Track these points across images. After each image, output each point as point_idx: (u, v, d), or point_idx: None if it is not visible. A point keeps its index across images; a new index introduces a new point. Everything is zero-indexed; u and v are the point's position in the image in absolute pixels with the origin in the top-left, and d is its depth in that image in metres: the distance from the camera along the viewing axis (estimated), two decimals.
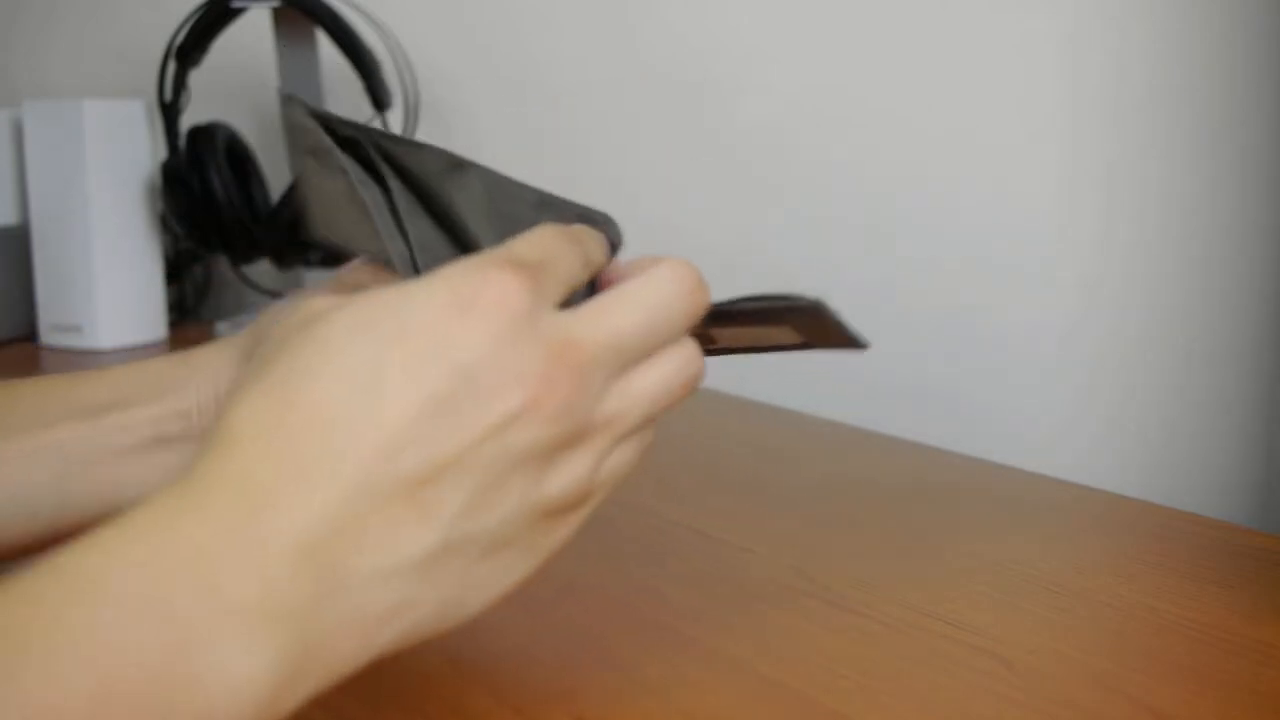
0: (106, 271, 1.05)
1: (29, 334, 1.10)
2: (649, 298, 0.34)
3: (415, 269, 0.40)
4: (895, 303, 0.83)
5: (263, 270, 1.22)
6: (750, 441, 0.74)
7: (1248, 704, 0.39)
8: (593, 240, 0.37)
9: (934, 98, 0.80)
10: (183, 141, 1.04)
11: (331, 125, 0.42)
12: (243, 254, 1.06)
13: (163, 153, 1.08)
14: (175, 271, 1.22)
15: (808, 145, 0.88)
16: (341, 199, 0.41)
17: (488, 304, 0.30)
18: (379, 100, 1.03)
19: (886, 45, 0.83)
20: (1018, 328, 0.77)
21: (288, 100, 0.42)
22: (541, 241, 0.34)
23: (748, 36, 0.90)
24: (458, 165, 0.44)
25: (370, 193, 0.41)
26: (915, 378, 0.82)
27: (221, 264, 1.28)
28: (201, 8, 1.02)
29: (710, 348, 0.40)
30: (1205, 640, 0.44)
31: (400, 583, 0.30)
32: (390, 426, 0.29)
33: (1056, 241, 0.75)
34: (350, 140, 0.42)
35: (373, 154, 0.42)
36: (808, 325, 0.40)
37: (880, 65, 0.83)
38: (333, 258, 1.04)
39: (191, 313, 1.24)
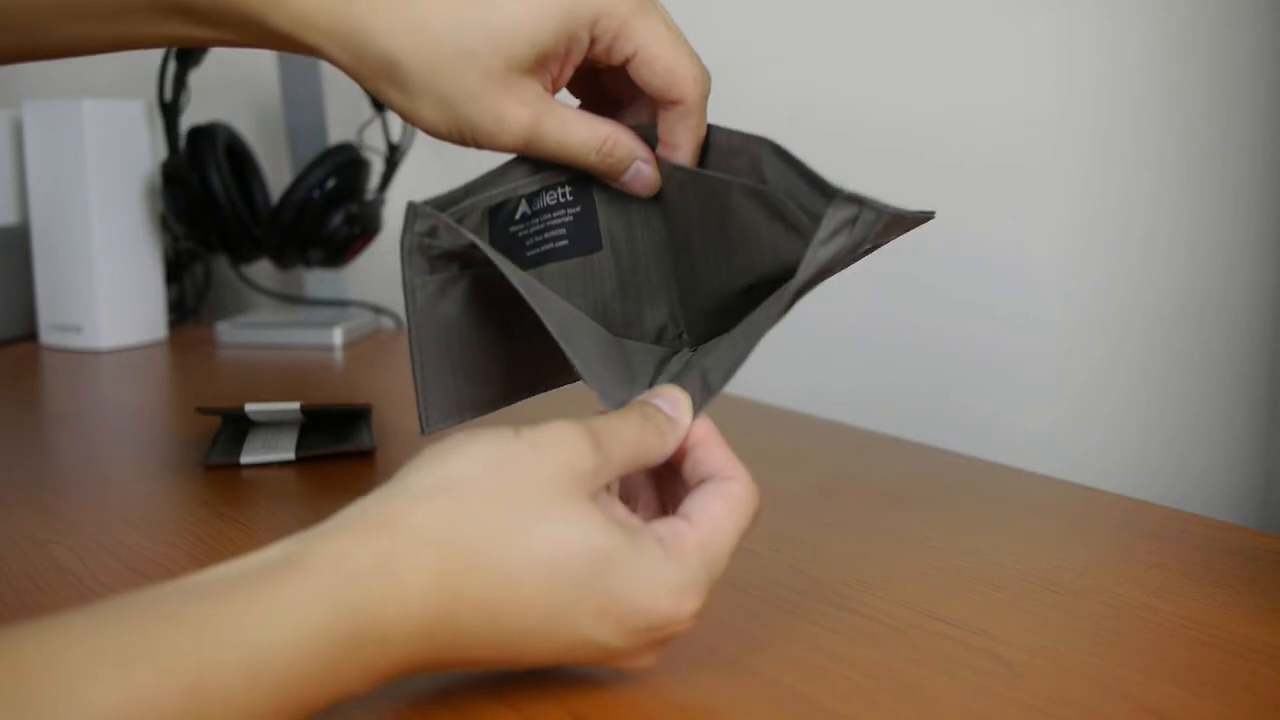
0: (106, 271, 1.05)
1: (29, 334, 1.10)
2: (738, 528, 0.41)
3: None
4: (898, 303, 0.83)
5: (263, 270, 1.22)
6: (750, 442, 0.74)
7: (1247, 704, 0.39)
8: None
9: (935, 91, 0.80)
10: (183, 141, 1.04)
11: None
12: (243, 254, 1.06)
13: (163, 153, 1.08)
14: (175, 271, 1.23)
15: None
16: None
17: (668, 636, 0.38)
18: (379, 100, 1.03)
19: (887, 40, 0.83)
20: (1020, 329, 0.77)
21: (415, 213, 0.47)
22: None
23: (755, 32, 0.90)
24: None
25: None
26: (916, 379, 0.82)
27: (221, 264, 1.28)
28: None
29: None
30: (1205, 640, 0.44)
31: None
32: (538, 657, 0.37)
33: (1066, 244, 0.75)
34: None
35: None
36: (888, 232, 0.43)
37: (881, 62, 0.83)
38: (332, 258, 1.05)
39: (191, 313, 1.25)
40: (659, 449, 0.41)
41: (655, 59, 0.46)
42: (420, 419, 0.48)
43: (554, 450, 0.37)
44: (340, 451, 0.68)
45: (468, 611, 0.35)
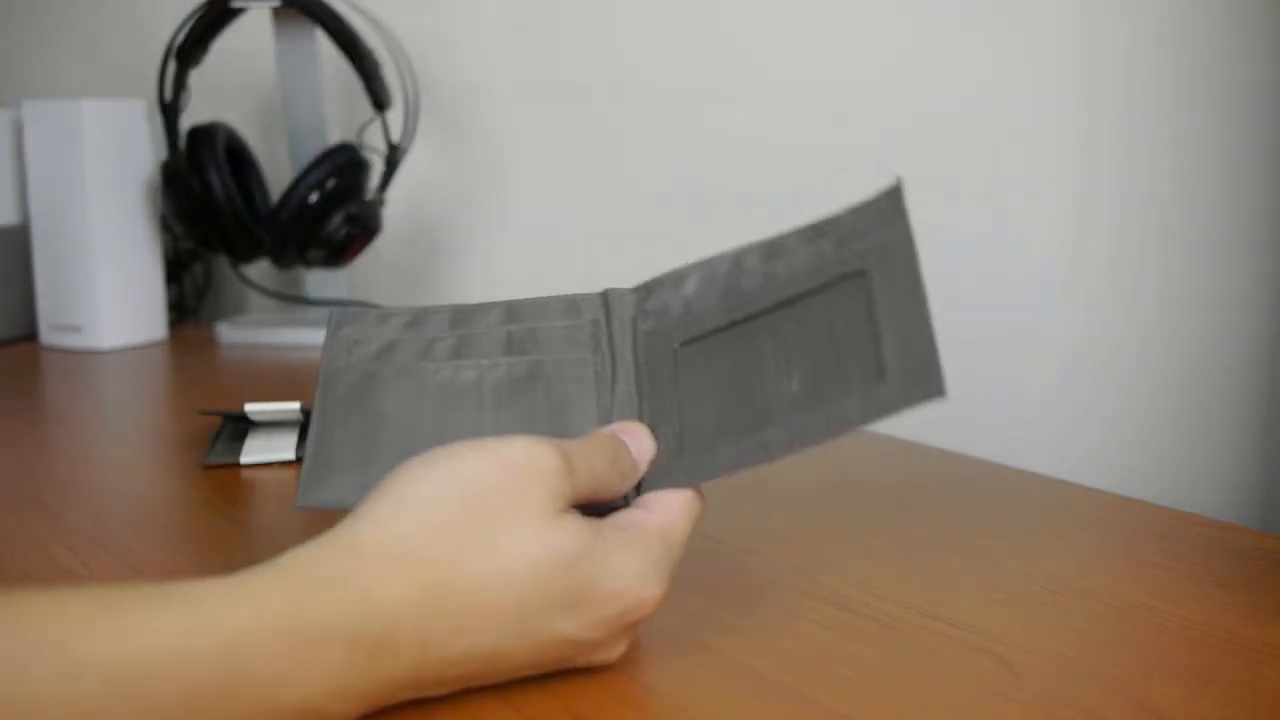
0: (106, 271, 1.05)
1: (29, 334, 1.10)
2: (692, 522, 0.42)
3: None
4: None
5: (263, 270, 1.22)
6: None
7: (1248, 704, 0.39)
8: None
9: (941, 90, 0.81)
10: (183, 141, 1.04)
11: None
12: (243, 254, 1.06)
13: (163, 153, 1.08)
14: (175, 271, 1.22)
15: (806, 141, 0.88)
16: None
17: (635, 622, 0.40)
18: (379, 100, 1.03)
19: (892, 38, 0.83)
20: (1020, 329, 0.77)
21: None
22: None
23: (742, 40, 0.90)
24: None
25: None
26: None
27: (221, 264, 1.28)
28: (201, 8, 1.02)
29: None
30: (1205, 640, 0.44)
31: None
32: (512, 664, 0.38)
33: (1063, 242, 0.75)
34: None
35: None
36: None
37: (886, 59, 0.83)
38: (332, 258, 1.05)
39: (191, 313, 1.25)
40: (616, 490, 0.42)
41: None
42: (301, 486, 0.46)
43: (526, 468, 0.38)
44: None
45: (440, 626, 0.36)
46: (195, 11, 1.02)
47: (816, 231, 0.45)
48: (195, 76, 1.05)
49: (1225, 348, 0.69)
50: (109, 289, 1.05)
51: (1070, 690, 0.40)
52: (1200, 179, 0.69)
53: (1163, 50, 0.70)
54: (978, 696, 0.40)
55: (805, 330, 0.43)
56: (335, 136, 1.11)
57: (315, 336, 1.05)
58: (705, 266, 0.47)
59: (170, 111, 1.04)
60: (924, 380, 0.40)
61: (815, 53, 0.87)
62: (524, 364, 0.48)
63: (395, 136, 1.07)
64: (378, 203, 1.06)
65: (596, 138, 1.01)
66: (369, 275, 1.17)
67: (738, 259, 0.46)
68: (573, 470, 0.39)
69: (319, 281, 1.13)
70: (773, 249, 0.46)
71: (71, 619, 0.32)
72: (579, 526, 0.38)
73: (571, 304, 0.49)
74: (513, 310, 0.49)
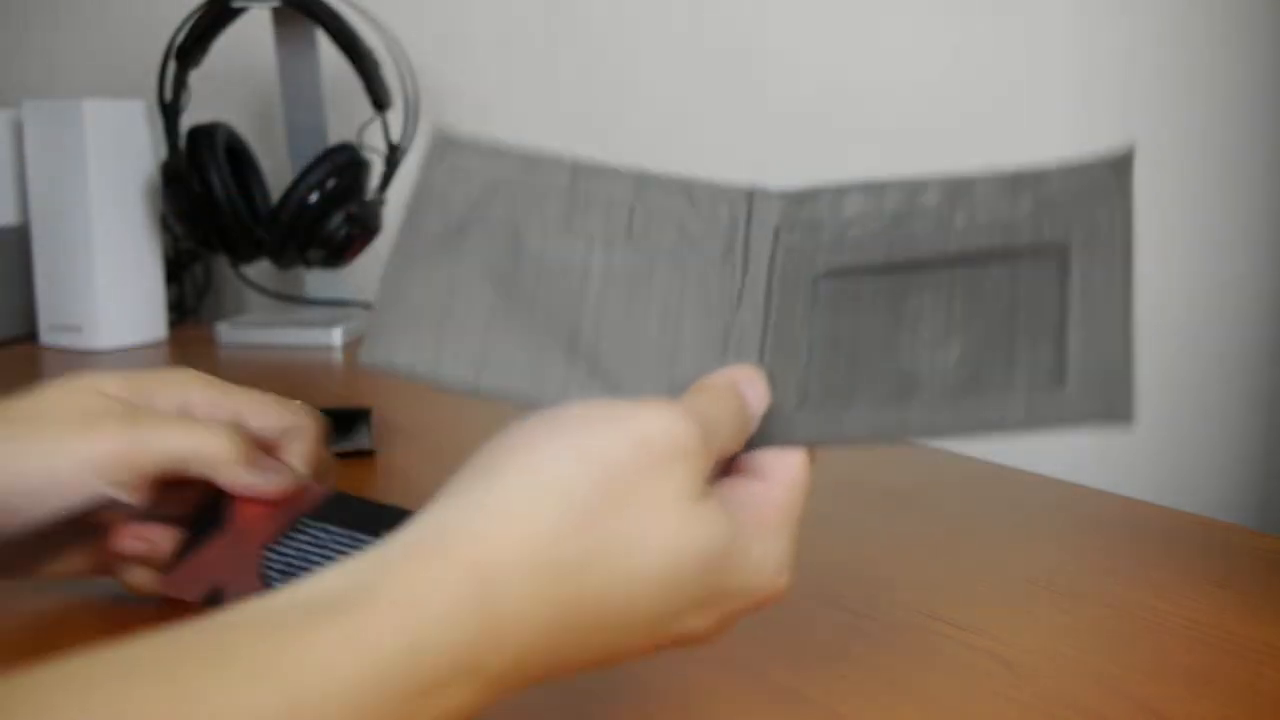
0: (106, 271, 1.05)
1: (29, 334, 1.10)
2: (807, 490, 0.38)
3: None
4: None
5: (263, 270, 1.22)
6: None
7: (1248, 704, 0.39)
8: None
9: (941, 89, 0.81)
10: (183, 141, 1.04)
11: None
12: (243, 254, 1.06)
13: (163, 153, 1.08)
14: (175, 271, 1.22)
15: (804, 142, 0.88)
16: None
17: (759, 608, 0.36)
18: (379, 100, 1.03)
19: (905, 28, 0.83)
20: None
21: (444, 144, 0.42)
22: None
23: (741, 42, 0.90)
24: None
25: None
26: None
27: (221, 264, 1.28)
28: (201, 8, 1.02)
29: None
30: (1205, 640, 0.44)
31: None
32: (626, 658, 0.34)
33: None
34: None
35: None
36: None
37: (896, 52, 0.83)
38: (332, 258, 1.05)
39: (191, 313, 1.25)
40: (734, 449, 0.37)
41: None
42: (368, 338, 0.40)
43: (669, 450, 0.34)
44: (340, 452, 0.68)
45: (569, 641, 0.32)
46: (195, 11, 1.02)
47: (1015, 183, 0.39)
48: (195, 76, 1.05)
49: (1226, 348, 0.69)
50: (109, 289, 1.05)
51: (1070, 690, 0.40)
52: (1200, 179, 0.69)
53: (1163, 50, 0.70)
54: (978, 696, 0.40)
55: (978, 297, 0.38)
56: (335, 136, 1.11)
57: (315, 336, 1.05)
58: (873, 190, 0.41)
59: (170, 111, 1.04)
60: (1110, 398, 0.34)
61: (814, 53, 0.87)
62: (642, 254, 0.42)
63: (395, 136, 1.07)
64: (378, 203, 1.06)
65: (596, 137, 1.01)
66: (369, 275, 1.17)
67: (913, 192, 0.40)
68: (709, 447, 0.35)
69: (319, 281, 1.13)
70: (957, 190, 0.40)
71: (180, 692, 0.26)
72: (718, 517, 0.34)
73: (712, 193, 0.43)
74: (644, 182, 0.43)
